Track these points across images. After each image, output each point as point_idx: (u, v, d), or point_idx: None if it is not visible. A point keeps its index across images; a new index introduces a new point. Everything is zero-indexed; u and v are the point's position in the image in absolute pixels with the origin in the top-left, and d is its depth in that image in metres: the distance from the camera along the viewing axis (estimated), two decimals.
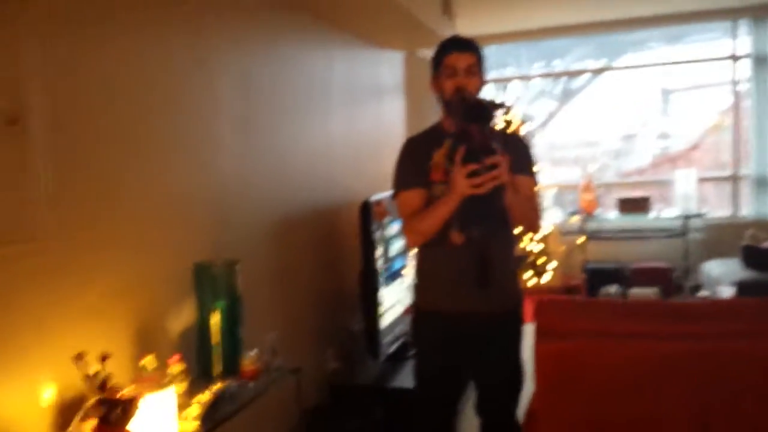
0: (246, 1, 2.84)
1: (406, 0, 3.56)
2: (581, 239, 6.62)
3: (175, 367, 2.02)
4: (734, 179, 6.65)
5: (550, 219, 6.78)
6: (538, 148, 2.23)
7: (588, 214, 6.59)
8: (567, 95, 7.76)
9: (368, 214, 3.36)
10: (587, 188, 6.61)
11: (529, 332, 2.44)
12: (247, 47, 2.81)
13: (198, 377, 2.15)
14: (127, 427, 1.68)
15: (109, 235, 1.99)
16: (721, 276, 4.98)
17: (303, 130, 3.33)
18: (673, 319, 2.25)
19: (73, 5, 1.87)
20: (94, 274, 1.92)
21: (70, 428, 1.71)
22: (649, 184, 7.22)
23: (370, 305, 3.41)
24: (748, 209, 6.48)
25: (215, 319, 2.13)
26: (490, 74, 3.43)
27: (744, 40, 6.47)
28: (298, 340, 3.19)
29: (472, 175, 2.04)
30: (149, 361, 1.94)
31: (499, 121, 5.08)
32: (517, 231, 2.50)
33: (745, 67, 6.49)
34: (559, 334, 2.30)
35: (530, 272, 6.63)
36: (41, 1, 1.77)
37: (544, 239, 6.59)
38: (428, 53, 5.73)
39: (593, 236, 6.69)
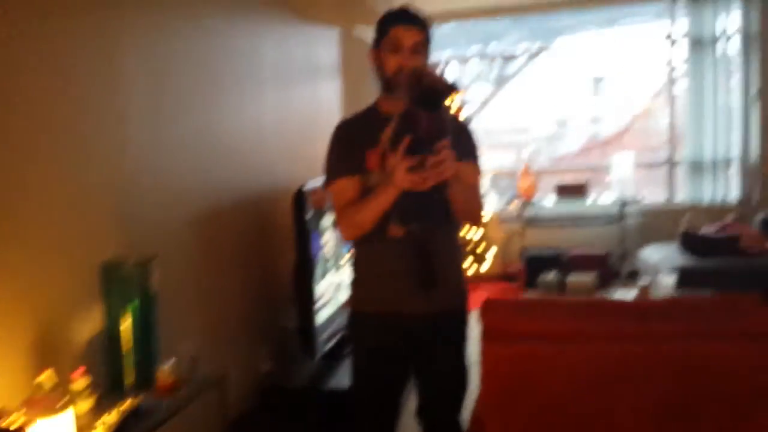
0: None
1: None
2: (519, 226, 6.55)
3: (79, 382, 1.76)
4: (670, 164, 6.66)
5: (489, 205, 6.68)
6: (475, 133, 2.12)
7: (526, 200, 6.51)
8: (502, 80, 7.73)
9: (302, 202, 3.13)
10: (525, 174, 6.53)
11: (474, 331, 2.27)
12: (157, 18, 2.52)
13: (107, 392, 1.90)
14: None
15: (1, 233, 1.71)
16: (660, 262, 4.94)
17: (229, 112, 3.06)
18: (625, 320, 2.10)
19: None
20: None
21: None
22: (586, 170, 7.20)
23: (305, 301, 3.19)
24: (683, 194, 6.50)
25: (126, 326, 1.88)
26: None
27: (681, 22, 6.45)
28: (226, 340, 2.95)
29: (415, 168, 1.84)
30: (47, 378, 1.68)
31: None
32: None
33: (682, 50, 6.48)
34: (506, 336, 2.12)
35: (470, 260, 6.53)
36: None
37: (483, 226, 6.48)
38: (366, 31, 5.53)
39: (531, 223, 6.63)
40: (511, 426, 2.15)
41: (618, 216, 6.29)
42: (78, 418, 1.68)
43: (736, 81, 6.25)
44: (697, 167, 6.38)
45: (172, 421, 1.87)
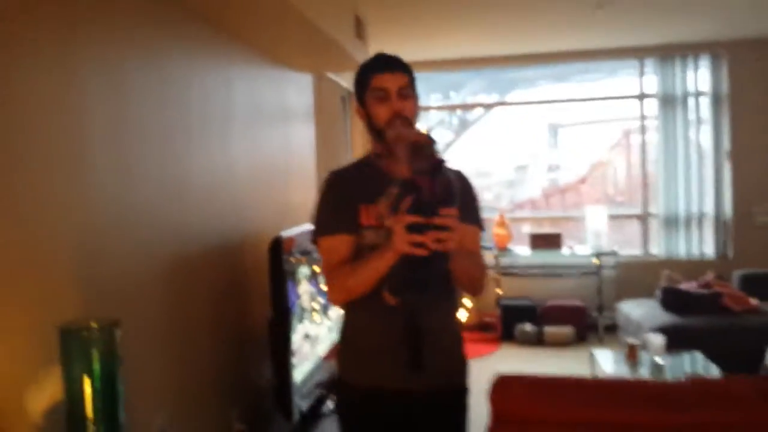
0: (123, 3, 2.36)
1: (316, 15, 3.19)
2: (495, 275, 6.40)
3: None
4: (643, 217, 6.62)
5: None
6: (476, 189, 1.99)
7: (501, 249, 6.39)
8: (463, 126, 7.87)
9: (279, 252, 2.92)
10: (501, 223, 6.42)
11: (478, 413, 2.06)
12: (122, 56, 2.33)
13: None
14: None
15: None
16: (642, 319, 4.82)
17: (199, 157, 2.86)
18: (656, 406, 1.78)
19: None
20: None
21: None
22: (555, 218, 7.14)
23: (281, 356, 2.96)
24: (658, 248, 6.44)
25: (88, 394, 1.64)
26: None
27: (650, 79, 6.50)
28: (197, 402, 2.69)
29: (415, 229, 1.66)
30: None
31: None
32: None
33: (647, 107, 6.51)
34: (520, 422, 1.87)
35: None
36: None
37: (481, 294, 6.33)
38: (340, 78, 5.42)
39: (506, 272, 6.50)
40: None
41: (594, 268, 6.19)
42: None
43: (707, 138, 6.28)
44: (670, 221, 6.35)
45: None
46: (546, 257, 6.48)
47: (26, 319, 1.71)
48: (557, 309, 6.20)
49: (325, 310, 3.54)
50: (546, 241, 6.43)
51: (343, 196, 1.94)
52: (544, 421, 1.84)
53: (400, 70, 1.93)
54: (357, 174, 2.01)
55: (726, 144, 6.22)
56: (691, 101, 6.30)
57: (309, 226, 3.38)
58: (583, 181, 7.54)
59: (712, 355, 3.99)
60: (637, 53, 6.39)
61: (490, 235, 6.37)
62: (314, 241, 2.00)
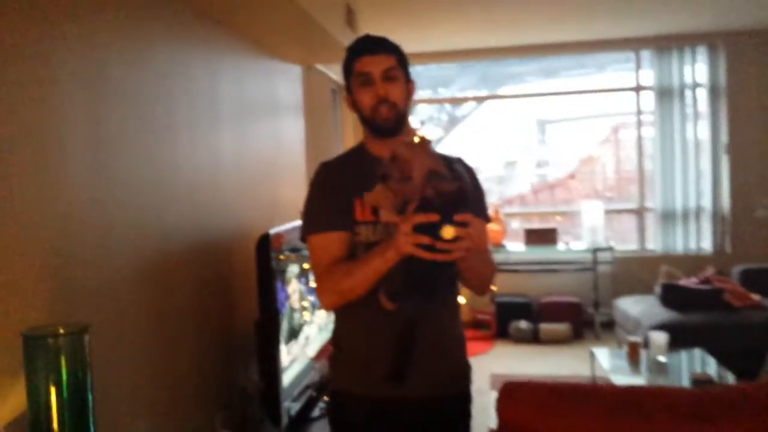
0: None
1: (306, 1, 3.05)
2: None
3: None
4: (640, 212, 6.51)
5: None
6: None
7: (495, 245, 6.26)
8: (452, 122, 7.82)
9: (266, 250, 2.78)
10: (495, 219, 6.29)
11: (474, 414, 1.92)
12: (102, 42, 2.19)
13: None
14: None
15: None
16: (641, 316, 4.70)
17: (182, 150, 2.72)
18: (675, 416, 1.61)
19: None
20: None
21: None
22: (552, 214, 7.03)
23: (269, 359, 2.82)
24: (655, 243, 6.33)
25: (54, 410, 1.51)
26: None
27: (646, 72, 6.40)
28: (179, 408, 2.55)
29: (423, 230, 1.50)
30: None
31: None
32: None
33: (643, 100, 6.40)
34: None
35: None
36: None
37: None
38: (330, 70, 5.28)
39: (500, 268, 6.37)
40: None
41: (590, 263, 6.07)
42: None
43: (704, 131, 6.17)
44: (667, 216, 6.24)
45: None
46: (541, 253, 6.36)
47: None
48: (553, 305, 6.09)
49: (314, 309, 3.41)
50: (541, 237, 6.32)
51: (336, 189, 1.80)
52: (555, 430, 1.70)
53: (383, 52, 1.80)
54: (350, 165, 1.87)
55: (724, 137, 6.11)
56: (688, 94, 6.19)
57: (298, 223, 3.27)
58: (572, 176, 7.48)
59: (715, 353, 3.87)
60: (633, 44, 6.27)
61: None
62: (303, 239, 1.86)
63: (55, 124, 1.86)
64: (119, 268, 2.16)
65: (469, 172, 1.85)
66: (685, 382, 3.52)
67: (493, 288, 6.21)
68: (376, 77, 1.77)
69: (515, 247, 6.37)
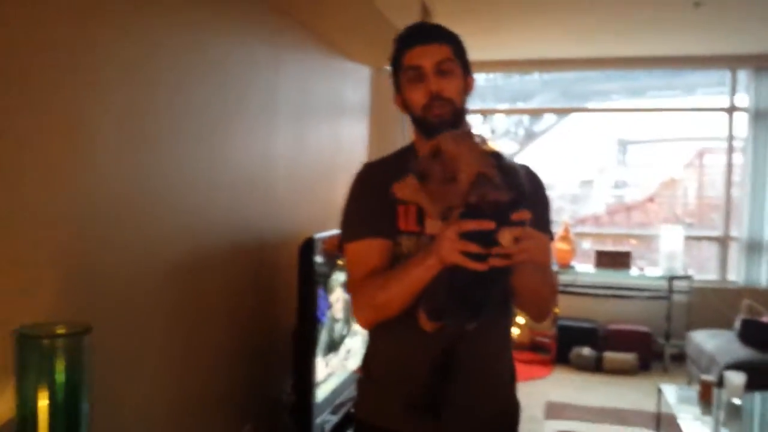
0: None
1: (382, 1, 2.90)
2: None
3: None
4: (723, 240, 6.09)
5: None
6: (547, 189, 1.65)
7: (563, 265, 5.97)
8: (529, 137, 7.60)
9: (310, 254, 2.65)
10: (564, 238, 6.00)
11: None
12: (149, 26, 2.09)
13: None
14: None
15: None
16: (717, 352, 4.35)
17: (232, 147, 2.61)
18: None
19: None
20: None
21: None
22: (626, 237, 6.67)
23: (304, 371, 2.69)
24: (737, 274, 5.90)
25: (43, 417, 1.40)
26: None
27: (740, 95, 5.97)
28: (203, 418, 2.44)
29: (472, 237, 1.30)
30: None
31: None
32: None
33: (736, 123, 5.97)
34: None
35: None
36: None
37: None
38: None
39: (567, 290, 6.06)
40: None
41: (665, 292, 5.70)
42: None
43: None
44: (753, 247, 5.80)
45: None
46: (612, 277, 6.02)
47: None
48: (620, 333, 5.75)
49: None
50: (613, 260, 5.98)
51: (378, 193, 1.55)
52: None
53: (436, 41, 1.57)
54: (396, 167, 1.58)
55: None
56: None
57: None
58: (651, 199, 7.10)
59: None
60: (730, 63, 5.86)
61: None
62: (340, 247, 1.68)
63: (89, 114, 1.76)
64: (146, 268, 2.05)
65: (534, 181, 1.64)
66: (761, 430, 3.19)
67: (556, 310, 5.92)
68: (428, 71, 1.55)
69: (584, 269, 6.05)
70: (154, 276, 2.09)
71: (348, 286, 1.68)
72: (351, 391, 3.08)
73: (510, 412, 1.69)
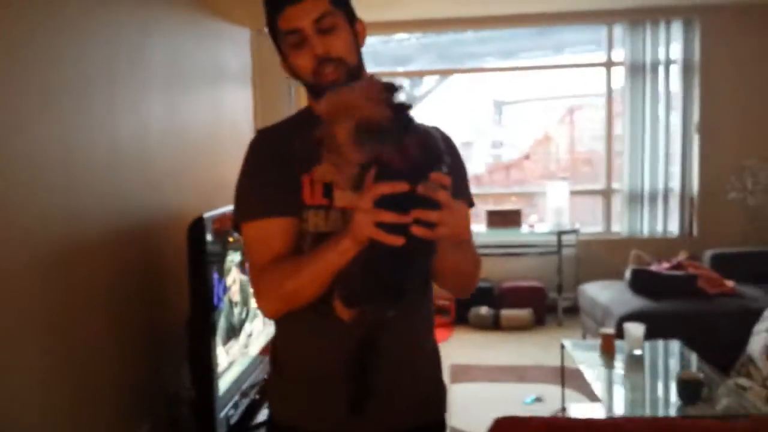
0: None
1: None
2: None
3: None
4: (606, 194, 6.26)
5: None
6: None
7: None
8: (411, 102, 7.44)
9: (200, 236, 2.40)
10: None
11: None
12: None
13: None
14: None
15: None
16: (611, 304, 4.43)
17: (100, 119, 2.31)
18: None
19: None
20: None
21: None
22: (509, 195, 6.75)
23: (203, 363, 2.45)
24: (621, 225, 6.09)
25: None
26: None
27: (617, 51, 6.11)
28: (94, 419, 2.17)
29: (388, 205, 1.14)
30: None
31: None
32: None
33: (613, 77, 6.12)
34: None
35: None
36: None
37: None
38: None
39: None
40: None
41: (555, 246, 5.80)
42: None
43: (676, 110, 5.92)
44: (635, 198, 5.99)
45: None
46: (503, 236, 6.06)
47: None
48: (515, 290, 5.81)
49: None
50: (504, 219, 6.02)
51: (277, 163, 1.38)
52: None
53: None
54: (295, 132, 1.40)
55: (695, 117, 5.87)
56: (660, 71, 5.91)
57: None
58: (527, 157, 7.25)
59: (689, 343, 3.64)
60: (606, 17, 5.95)
61: None
62: (236, 227, 1.45)
63: None
64: (9, 257, 1.75)
65: (448, 143, 1.48)
66: (669, 380, 3.25)
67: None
68: (308, 32, 1.35)
69: (476, 229, 6.06)
70: (16, 267, 1.79)
71: (250, 273, 1.46)
72: (255, 377, 2.88)
73: (438, 397, 1.55)
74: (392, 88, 1.18)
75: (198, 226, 2.40)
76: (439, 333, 5.32)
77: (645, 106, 5.92)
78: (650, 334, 3.59)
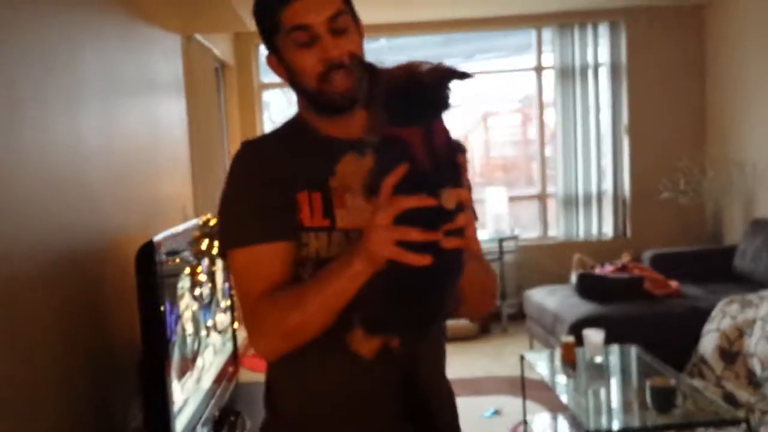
0: None
1: None
2: None
3: None
4: (542, 198, 6.27)
5: None
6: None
7: None
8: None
9: (150, 263, 2.15)
10: None
11: None
12: None
13: None
14: None
15: None
16: (560, 310, 4.38)
17: (30, 135, 2.04)
18: None
19: None
20: None
21: None
22: None
23: (158, 401, 2.20)
24: (557, 229, 6.11)
25: None
26: None
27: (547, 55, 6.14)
28: None
29: (410, 220, 0.98)
30: None
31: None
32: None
33: (544, 81, 6.15)
34: None
35: None
36: None
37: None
38: (213, 45, 4.59)
39: None
40: None
41: (496, 253, 5.75)
42: None
43: (605, 112, 5.99)
44: (570, 201, 6.03)
45: None
46: None
47: None
48: None
49: (212, 327, 2.80)
50: None
51: (272, 181, 1.21)
52: None
53: None
54: (291, 146, 1.26)
55: (625, 119, 5.96)
56: (590, 74, 5.97)
57: (186, 225, 2.64)
58: None
59: (642, 346, 3.63)
60: (535, 21, 5.97)
61: None
62: (223, 254, 1.25)
63: None
64: None
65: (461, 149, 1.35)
66: (636, 387, 3.19)
67: None
68: (320, 30, 1.19)
69: None
70: None
71: (241, 306, 1.26)
72: (209, 412, 2.63)
73: (457, 425, 1.40)
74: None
75: (147, 251, 2.15)
76: None
77: (576, 110, 5.96)
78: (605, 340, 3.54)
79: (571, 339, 3.46)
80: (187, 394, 2.43)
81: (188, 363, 2.47)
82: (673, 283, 4.54)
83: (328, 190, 1.21)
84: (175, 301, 2.35)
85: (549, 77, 6.09)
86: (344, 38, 1.21)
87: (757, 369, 3.47)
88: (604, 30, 5.92)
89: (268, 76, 6.13)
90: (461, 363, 4.89)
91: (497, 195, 5.90)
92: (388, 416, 1.17)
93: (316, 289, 1.12)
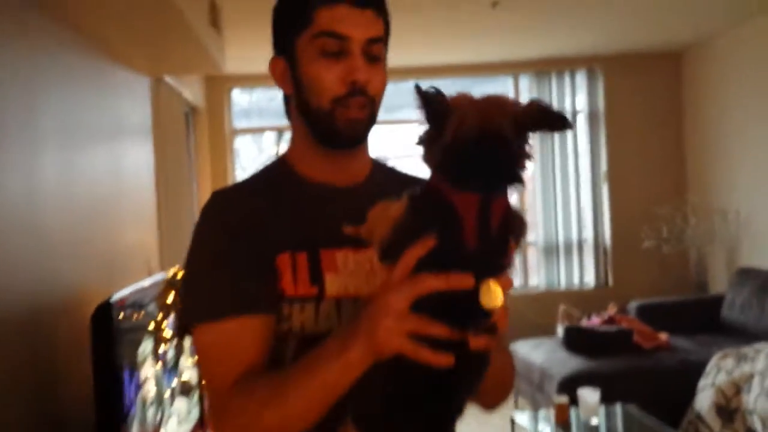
0: None
1: None
2: None
3: None
4: (523, 247, 6.11)
5: None
6: None
7: None
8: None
9: (107, 327, 1.93)
10: None
11: None
12: None
13: None
14: None
15: None
16: (547, 365, 4.17)
17: None
18: None
19: None
20: None
21: None
22: None
23: None
24: (538, 278, 5.95)
25: None
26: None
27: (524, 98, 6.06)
28: None
29: (432, 307, 0.79)
30: None
31: None
32: None
33: None
34: None
35: None
36: None
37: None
38: (184, 88, 4.40)
39: None
40: None
41: None
42: None
43: (584, 159, 5.90)
44: (550, 250, 5.88)
45: None
46: None
47: None
48: None
49: (177, 389, 2.55)
50: None
51: (247, 239, 1.00)
52: None
53: (371, 6, 1.03)
54: (267, 195, 1.06)
55: (603, 166, 5.87)
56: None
57: (150, 280, 2.41)
58: None
59: (634, 402, 3.44)
60: (512, 68, 5.90)
61: None
62: (186, 329, 1.02)
63: None
64: None
65: None
66: None
67: None
68: (355, 47, 1.01)
69: None
70: None
71: (207, 394, 1.04)
72: None
73: None
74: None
75: (104, 312, 1.93)
76: None
77: (554, 157, 5.87)
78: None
79: (564, 400, 3.25)
80: None
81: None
82: (663, 336, 4.37)
83: (316, 250, 1.01)
84: (135, 366, 2.11)
85: None
86: (376, 67, 1.04)
87: (758, 427, 3.29)
88: (581, 77, 5.87)
89: (241, 120, 5.95)
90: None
91: None
92: None
93: (300, 380, 0.90)
